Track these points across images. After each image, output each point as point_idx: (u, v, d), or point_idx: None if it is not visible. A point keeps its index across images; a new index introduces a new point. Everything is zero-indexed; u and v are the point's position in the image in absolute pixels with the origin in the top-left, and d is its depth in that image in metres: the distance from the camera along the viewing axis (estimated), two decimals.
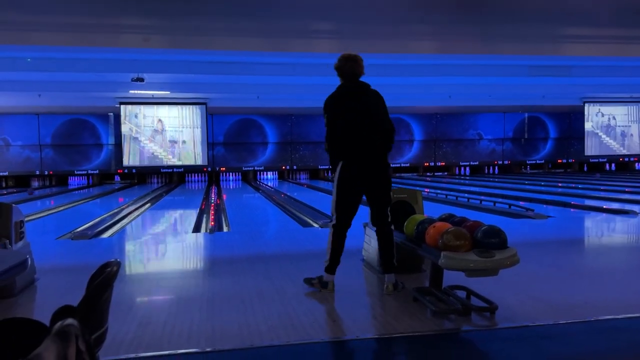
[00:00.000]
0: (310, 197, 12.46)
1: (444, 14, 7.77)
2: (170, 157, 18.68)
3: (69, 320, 0.99)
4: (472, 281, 3.50)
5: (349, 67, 3.95)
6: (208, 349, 2.82)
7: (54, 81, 12.58)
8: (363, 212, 4.45)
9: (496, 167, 21.91)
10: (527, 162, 21.95)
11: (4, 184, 18.08)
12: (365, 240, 4.88)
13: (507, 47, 8.42)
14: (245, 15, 7.27)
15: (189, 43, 7.33)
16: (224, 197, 13.03)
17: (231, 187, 16.79)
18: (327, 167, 20.38)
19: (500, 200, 9.67)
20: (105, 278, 1.46)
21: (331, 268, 3.93)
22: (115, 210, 9.97)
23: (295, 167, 20.24)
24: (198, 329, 3.16)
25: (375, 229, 4.10)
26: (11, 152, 17.79)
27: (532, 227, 7.21)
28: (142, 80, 11.83)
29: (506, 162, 21.75)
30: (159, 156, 18.60)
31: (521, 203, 9.24)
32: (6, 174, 17.92)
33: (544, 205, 9.55)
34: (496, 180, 17.45)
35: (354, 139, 3.82)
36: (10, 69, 10.06)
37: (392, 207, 4.45)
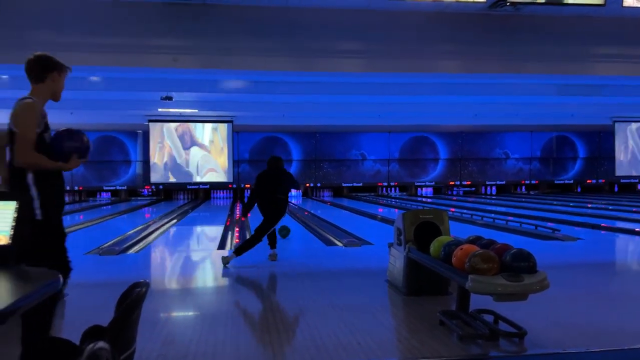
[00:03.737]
0: (334, 215, 12.44)
1: (469, 33, 7.76)
2: (196, 174, 18.92)
3: (100, 344, 1.00)
4: (499, 305, 3.43)
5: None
6: None
7: (86, 99, 12.92)
8: (388, 232, 4.43)
9: (523, 187, 21.56)
10: (555, 182, 21.55)
11: None
12: (390, 260, 4.84)
13: (534, 66, 8.32)
14: (271, 36, 7.38)
15: (217, 63, 7.46)
16: (249, 214, 13.08)
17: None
18: (351, 184, 20.39)
19: (527, 221, 9.49)
20: (134, 299, 1.48)
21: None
22: (142, 227, 10.11)
23: (319, 185, 20.27)
24: (223, 347, 3.16)
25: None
26: None
27: (560, 249, 7.05)
28: (170, 98, 12.06)
29: (534, 182, 21.39)
30: (186, 173, 18.85)
31: (549, 224, 9.05)
32: None
33: (573, 227, 9.33)
34: (523, 200, 17.16)
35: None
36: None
37: (418, 228, 4.44)
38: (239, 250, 5.93)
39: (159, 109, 15.02)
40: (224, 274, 5.97)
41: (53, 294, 1.75)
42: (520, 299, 3.08)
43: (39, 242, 2.73)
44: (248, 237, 6.36)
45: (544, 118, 18.56)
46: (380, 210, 14.15)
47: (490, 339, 3.17)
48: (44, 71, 3.04)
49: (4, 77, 10.67)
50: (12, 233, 1.82)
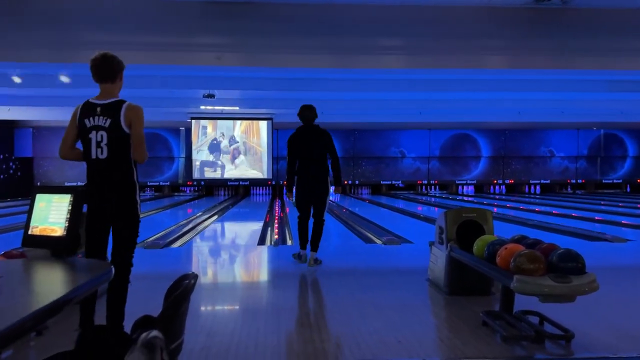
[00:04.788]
0: (373, 213, 12.38)
1: (516, 28, 7.55)
2: (237, 170, 19.20)
3: (154, 332, 1.03)
4: (545, 306, 3.34)
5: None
6: None
7: (131, 97, 13.27)
8: (428, 230, 4.38)
9: (569, 186, 20.89)
10: (603, 181, 20.77)
11: None
12: (431, 259, 4.78)
13: (584, 61, 8.03)
14: (314, 33, 7.38)
15: (259, 61, 7.52)
16: (287, 210, 13.19)
17: (294, 201, 16.96)
18: (390, 182, 20.23)
19: (573, 221, 9.19)
20: (183, 291, 1.52)
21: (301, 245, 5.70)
22: (185, 221, 10.34)
23: (357, 182, 20.21)
24: (264, 341, 3.20)
25: None
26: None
27: (609, 250, 6.80)
28: (213, 96, 12.27)
29: (580, 181, 20.69)
30: (227, 169, 19.16)
31: (597, 225, 8.75)
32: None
33: (622, 228, 8.99)
34: (569, 199, 16.63)
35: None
36: (94, 86, 10.71)
37: (461, 227, 4.37)
38: (315, 247, 5.58)
39: (201, 107, 15.30)
40: (264, 270, 6.04)
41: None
42: (568, 300, 2.99)
43: (136, 231, 3.16)
44: (298, 227, 5.77)
45: (592, 115, 17.90)
46: (420, 209, 13.99)
47: (535, 341, 3.10)
48: (120, 70, 3.27)
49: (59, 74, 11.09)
50: (66, 225, 1.89)
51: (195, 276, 1.60)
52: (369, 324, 3.51)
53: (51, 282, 1.68)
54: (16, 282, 1.67)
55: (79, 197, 1.93)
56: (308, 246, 5.67)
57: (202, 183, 19.27)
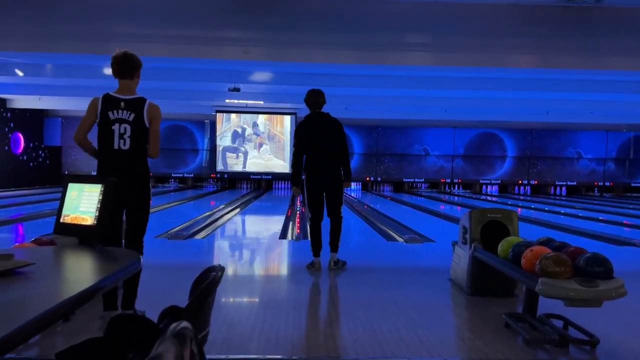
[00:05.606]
0: (394, 210, 12.33)
1: (545, 26, 7.41)
2: (261, 158, 19.34)
3: (184, 323, 1.05)
4: (569, 311, 3.29)
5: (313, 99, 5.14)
6: (294, 357, 2.86)
7: (157, 89, 13.47)
8: (450, 230, 4.34)
9: (596, 189, 20.47)
10: (632, 184, 20.30)
11: None
12: (453, 259, 4.75)
13: (615, 61, 7.85)
14: (340, 29, 7.37)
15: (286, 56, 7.56)
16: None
17: (305, 200, 16.99)
18: (412, 179, 20.11)
19: (601, 224, 9.01)
20: (211, 283, 1.54)
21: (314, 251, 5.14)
22: (208, 213, 10.45)
23: (379, 179, 20.14)
24: (285, 334, 3.22)
25: None
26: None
27: (637, 255, 6.66)
28: (238, 90, 12.36)
29: (608, 184, 20.25)
30: (250, 156, 19.30)
31: (625, 229, 8.56)
32: None
33: None
34: (596, 202, 16.31)
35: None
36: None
37: (485, 227, 4.32)
38: (335, 247, 5.18)
39: (226, 100, 15.42)
40: (286, 264, 6.07)
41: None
42: (594, 305, 2.94)
43: (148, 218, 3.54)
44: (311, 231, 5.29)
45: (622, 117, 17.52)
46: (442, 207, 13.89)
47: (559, 345, 3.05)
48: (139, 67, 3.48)
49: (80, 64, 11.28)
50: (97, 214, 1.94)
51: (222, 269, 1.62)
52: (390, 322, 3.51)
53: (82, 270, 1.73)
54: (49, 269, 1.71)
55: (110, 187, 1.98)
56: (324, 251, 5.19)
57: (225, 176, 19.44)
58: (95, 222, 1.92)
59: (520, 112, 16.54)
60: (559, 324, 3.35)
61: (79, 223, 1.93)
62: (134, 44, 7.75)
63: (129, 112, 3.34)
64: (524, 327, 3.28)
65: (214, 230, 8.15)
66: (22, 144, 17.33)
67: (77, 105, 16.80)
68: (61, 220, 1.96)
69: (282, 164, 19.24)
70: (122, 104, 3.35)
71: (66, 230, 1.96)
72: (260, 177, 19.47)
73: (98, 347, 1.49)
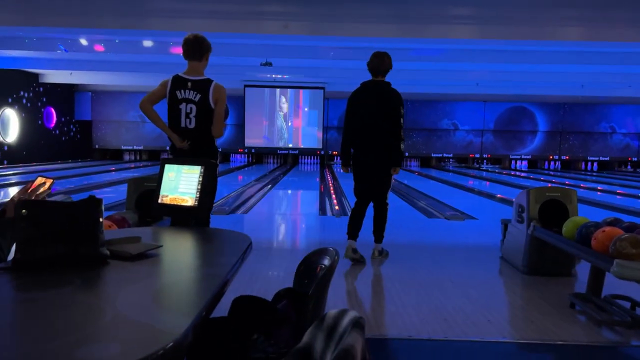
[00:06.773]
0: (424, 186, 12.26)
1: None
2: (287, 138, 19.32)
3: (354, 313, 1.06)
4: (636, 291, 3.26)
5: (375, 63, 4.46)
6: (376, 335, 2.88)
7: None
8: (502, 209, 4.29)
9: (629, 165, 20.05)
10: None
11: (138, 157, 19.84)
12: (507, 237, 4.71)
13: None
14: (380, 2, 7.23)
15: (325, 30, 7.45)
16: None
17: (340, 171, 16.98)
18: (440, 154, 19.92)
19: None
20: (330, 268, 1.54)
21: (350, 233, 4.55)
22: (241, 189, 10.52)
23: (407, 154, 19.99)
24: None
25: None
26: (146, 128, 19.31)
27: None
28: (270, 64, 12.26)
29: None
30: (277, 137, 19.30)
31: None
32: (141, 147, 19.60)
33: None
34: (629, 178, 15.98)
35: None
36: (163, 52, 10.83)
37: (544, 206, 4.27)
38: (379, 237, 4.65)
39: (257, 74, 15.34)
40: (331, 240, 6.09)
41: None
42: None
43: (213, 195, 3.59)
44: (351, 213, 4.70)
45: None
46: (471, 183, 13.77)
47: (631, 327, 3.03)
48: (207, 51, 3.66)
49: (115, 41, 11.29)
50: (197, 196, 1.95)
51: (337, 252, 1.62)
52: (452, 301, 3.51)
53: (210, 253, 1.75)
54: (176, 252, 1.74)
55: (210, 169, 1.99)
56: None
57: (253, 151, 19.50)
58: (195, 203, 1.94)
59: (554, 86, 16.15)
60: (625, 305, 3.31)
61: (179, 204, 1.95)
62: (173, 19, 7.74)
63: (195, 93, 3.48)
64: (591, 307, 3.26)
65: (253, 206, 8.20)
66: (55, 119, 17.58)
67: (107, 80, 16.91)
68: (159, 201, 1.98)
69: (308, 139, 19.22)
70: (189, 84, 3.51)
71: (166, 210, 1.99)
72: (287, 152, 19.49)
73: (222, 327, 1.51)
